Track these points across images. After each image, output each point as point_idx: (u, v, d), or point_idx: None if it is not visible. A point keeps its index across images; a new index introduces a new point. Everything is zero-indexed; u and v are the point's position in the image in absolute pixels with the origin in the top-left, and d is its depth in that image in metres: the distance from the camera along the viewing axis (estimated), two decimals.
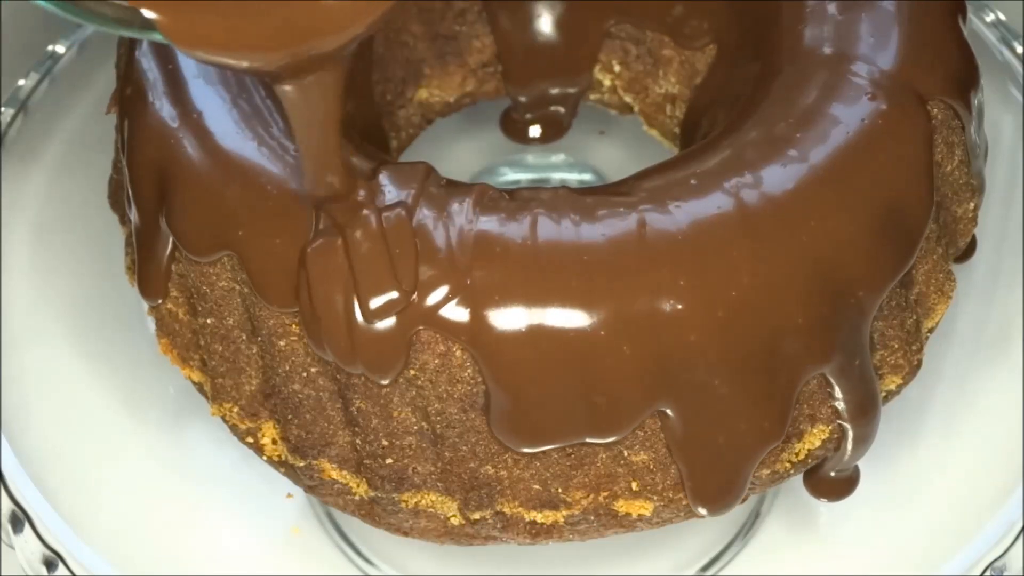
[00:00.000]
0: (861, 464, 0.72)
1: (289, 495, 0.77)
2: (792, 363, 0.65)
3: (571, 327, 0.64)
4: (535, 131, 0.86)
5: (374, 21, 0.61)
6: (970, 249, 0.74)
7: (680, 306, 0.64)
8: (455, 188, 0.67)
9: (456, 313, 0.64)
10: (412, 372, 0.65)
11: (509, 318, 0.64)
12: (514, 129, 0.86)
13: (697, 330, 0.64)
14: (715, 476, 0.67)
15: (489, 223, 0.65)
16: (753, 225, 0.65)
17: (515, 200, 0.67)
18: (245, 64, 0.61)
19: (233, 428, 0.71)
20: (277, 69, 0.61)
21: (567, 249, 0.65)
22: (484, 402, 0.65)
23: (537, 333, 0.64)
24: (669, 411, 0.65)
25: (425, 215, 0.66)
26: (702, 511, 0.67)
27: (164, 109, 0.70)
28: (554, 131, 0.86)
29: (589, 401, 0.65)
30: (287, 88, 0.62)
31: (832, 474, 0.71)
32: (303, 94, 0.62)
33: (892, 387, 0.70)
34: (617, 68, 0.83)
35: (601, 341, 0.64)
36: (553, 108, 0.85)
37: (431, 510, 0.68)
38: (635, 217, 0.65)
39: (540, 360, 0.64)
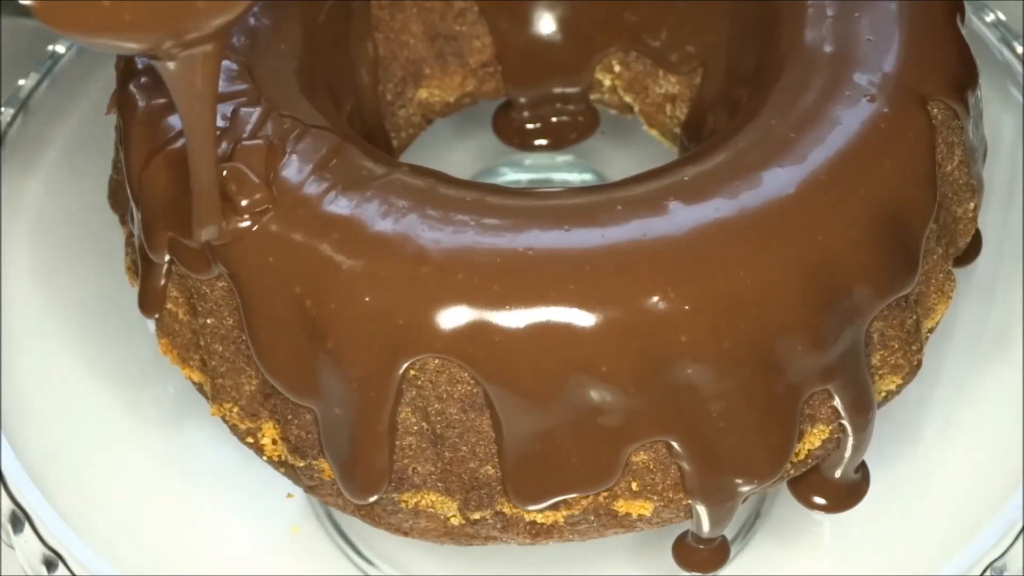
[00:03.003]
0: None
1: (289, 495, 0.77)
2: (793, 373, 0.65)
3: (572, 340, 0.63)
4: (541, 142, 0.86)
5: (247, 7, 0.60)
6: (974, 252, 0.74)
7: (680, 316, 0.64)
8: (458, 190, 0.67)
9: (454, 330, 0.64)
10: (412, 372, 0.65)
11: (509, 333, 0.64)
12: (510, 132, 0.86)
13: (694, 334, 0.64)
14: (720, 524, 0.68)
15: (488, 232, 0.65)
16: (754, 229, 0.65)
17: (517, 199, 0.67)
18: (121, 44, 0.59)
19: (233, 428, 0.71)
20: (150, 50, 0.60)
21: (567, 259, 0.64)
22: (484, 402, 0.65)
23: (538, 347, 0.63)
24: (674, 443, 0.65)
25: (426, 225, 0.66)
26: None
27: None
28: (561, 137, 0.86)
29: (595, 423, 0.64)
30: (167, 65, 0.61)
31: (823, 493, 0.72)
32: (180, 71, 0.62)
33: (892, 387, 0.70)
34: (617, 68, 0.83)
35: (603, 351, 0.63)
36: (558, 108, 0.85)
37: (431, 510, 0.68)
38: (636, 221, 0.65)
39: (543, 374, 0.64)
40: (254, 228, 0.66)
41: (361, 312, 0.64)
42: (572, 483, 0.66)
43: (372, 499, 0.67)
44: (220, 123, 0.68)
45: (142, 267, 0.71)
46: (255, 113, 0.68)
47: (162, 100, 0.69)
